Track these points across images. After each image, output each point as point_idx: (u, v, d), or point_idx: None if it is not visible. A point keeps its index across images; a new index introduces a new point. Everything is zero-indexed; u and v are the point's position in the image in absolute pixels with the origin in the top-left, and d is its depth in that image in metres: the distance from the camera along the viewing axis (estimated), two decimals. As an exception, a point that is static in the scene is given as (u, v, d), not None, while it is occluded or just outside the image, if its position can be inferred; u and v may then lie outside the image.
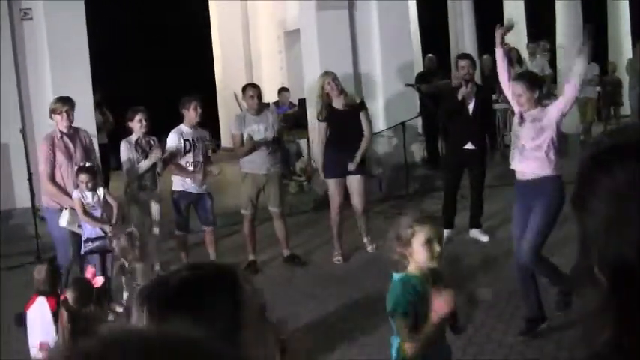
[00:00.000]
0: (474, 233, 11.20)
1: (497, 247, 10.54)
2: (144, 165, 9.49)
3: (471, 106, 10.78)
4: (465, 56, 11.39)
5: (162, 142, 9.87)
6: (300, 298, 9.01)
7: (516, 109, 7.61)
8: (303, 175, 15.19)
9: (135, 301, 1.79)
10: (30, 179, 10.96)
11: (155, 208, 9.69)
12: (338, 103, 10.42)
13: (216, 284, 1.80)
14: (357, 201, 10.57)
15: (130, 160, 9.47)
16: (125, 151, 9.53)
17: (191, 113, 10.01)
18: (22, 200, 11.79)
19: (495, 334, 7.52)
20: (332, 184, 10.55)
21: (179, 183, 10.07)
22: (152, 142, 9.67)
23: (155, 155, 9.54)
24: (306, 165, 15.35)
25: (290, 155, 15.56)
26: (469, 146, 10.80)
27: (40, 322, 6.24)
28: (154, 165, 9.63)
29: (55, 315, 6.13)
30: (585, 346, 1.40)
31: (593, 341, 1.37)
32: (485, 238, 11.03)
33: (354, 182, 10.50)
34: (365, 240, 10.72)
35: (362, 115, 10.46)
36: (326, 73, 10.63)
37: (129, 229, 7.03)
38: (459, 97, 10.62)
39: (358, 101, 10.62)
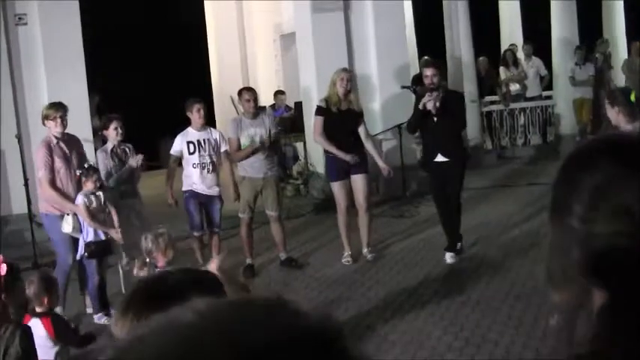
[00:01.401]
0: (447, 257, 10.28)
1: (494, 249, 10.55)
2: (124, 172, 9.48)
3: (437, 117, 10.03)
4: (430, 64, 10.76)
5: (146, 147, 9.90)
6: (297, 301, 8.98)
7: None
8: (300, 178, 15.18)
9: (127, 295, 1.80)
10: (26, 185, 10.95)
11: (137, 214, 9.60)
12: (342, 102, 10.40)
13: (205, 287, 1.80)
14: (361, 199, 10.56)
15: (106, 168, 9.43)
16: (102, 160, 9.51)
17: (194, 115, 10.10)
18: (19, 206, 11.77)
19: (492, 335, 7.51)
20: (336, 187, 10.56)
21: (188, 183, 10.14)
22: (127, 150, 9.67)
23: (136, 160, 9.54)
24: (303, 168, 15.34)
25: (287, 158, 15.56)
26: (440, 158, 10.15)
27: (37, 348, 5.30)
28: (133, 172, 9.63)
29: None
30: (567, 345, 1.40)
31: (575, 340, 1.37)
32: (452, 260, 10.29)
33: (358, 181, 10.51)
34: (365, 250, 10.68)
35: (360, 125, 10.50)
36: (343, 70, 10.70)
37: (160, 229, 6.96)
38: (420, 106, 10.06)
39: (359, 110, 10.59)
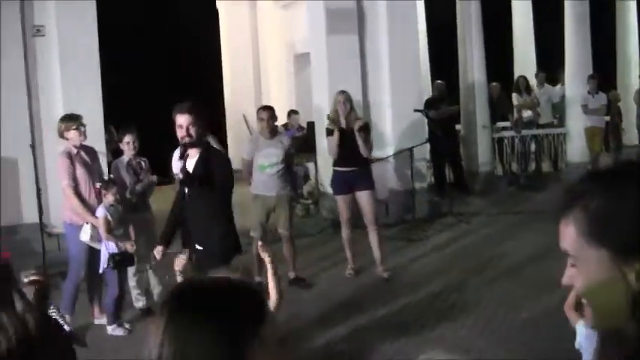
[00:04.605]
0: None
1: (503, 275, 10.54)
2: (139, 188, 9.52)
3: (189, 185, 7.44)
4: (185, 109, 7.12)
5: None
6: (305, 320, 9.00)
7: None
8: (310, 198, 15.21)
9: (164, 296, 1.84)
10: (38, 195, 10.98)
11: (147, 227, 9.60)
12: (345, 122, 10.58)
13: (243, 297, 1.84)
14: (368, 216, 10.67)
15: (122, 180, 9.47)
16: (118, 172, 9.55)
17: None
18: (29, 216, 11.80)
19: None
20: (340, 200, 10.78)
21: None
22: (143, 164, 9.72)
23: (150, 179, 9.61)
24: (314, 188, 15.36)
25: (298, 178, 15.57)
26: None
27: None
28: (149, 186, 9.68)
29: None
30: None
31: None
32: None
33: (363, 197, 10.62)
34: (380, 269, 10.72)
35: (358, 136, 10.51)
36: (341, 92, 10.79)
37: (198, 246, 6.95)
38: (175, 171, 7.59)
39: (361, 124, 10.67)
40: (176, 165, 7.41)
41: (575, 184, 1.73)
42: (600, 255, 1.65)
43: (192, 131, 7.02)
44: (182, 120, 7.05)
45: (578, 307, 4.04)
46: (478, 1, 16.93)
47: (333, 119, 10.70)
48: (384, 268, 10.71)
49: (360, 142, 10.51)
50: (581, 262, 1.70)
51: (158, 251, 7.41)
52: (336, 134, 10.54)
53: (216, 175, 7.03)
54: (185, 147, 7.08)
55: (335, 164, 10.81)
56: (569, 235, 1.71)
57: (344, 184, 10.69)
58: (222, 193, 7.11)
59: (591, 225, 1.66)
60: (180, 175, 7.05)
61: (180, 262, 6.27)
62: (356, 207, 10.75)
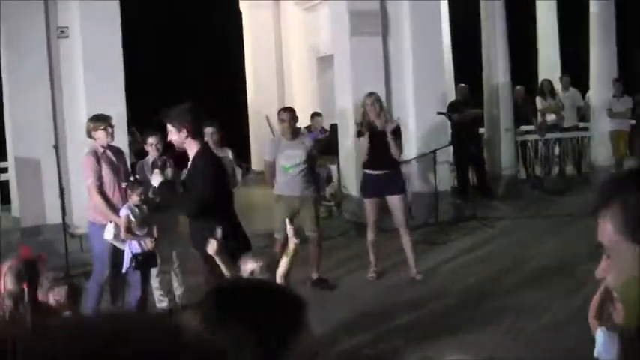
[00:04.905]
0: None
1: (526, 279, 10.47)
2: (154, 180, 9.50)
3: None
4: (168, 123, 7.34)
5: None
6: (327, 322, 8.96)
7: None
8: (332, 200, 15.18)
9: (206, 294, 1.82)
10: (62, 195, 11.00)
11: (171, 227, 9.60)
12: (376, 124, 10.50)
13: (280, 303, 1.83)
14: (400, 218, 10.62)
15: (147, 181, 9.48)
16: (143, 172, 9.57)
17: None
18: (53, 216, 11.83)
19: None
20: (368, 204, 10.70)
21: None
22: (168, 163, 9.72)
23: (169, 171, 9.60)
24: (336, 190, 15.34)
25: (320, 180, 15.54)
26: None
27: None
28: (171, 184, 9.64)
29: None
30: None
31: None
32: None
33: (395, 201, 10.56)
34: (413, 271, 10.67)
35: (391, 138, 10.47)
36: (369, 94, 10.74)
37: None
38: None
39: (394, 126, 10.64)
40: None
41: (615, 180, 1.73)
42: (634, 251, 1.67)
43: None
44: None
45: (599, 316, 4.02)
46: (502, 0, 16.83)
47: (364, 121, 10.62)
48: (418, 271, 10.67)
49: (392, 144, 10.46)
50: (615, 256, 1.72)
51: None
52: (367, 136, 10.48)
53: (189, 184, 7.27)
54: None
55: (365, 167, 10.72)
56: (607, 229, 1.72)
57: (374, 187, 10.59)
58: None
59: (627, 222, 1.68)
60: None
61: (250, 265, 6.09)
62: (382, 210, 10.70)
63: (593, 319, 3.81)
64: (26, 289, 4.88)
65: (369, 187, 10.68)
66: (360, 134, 10.65)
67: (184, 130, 7.10)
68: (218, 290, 1.84)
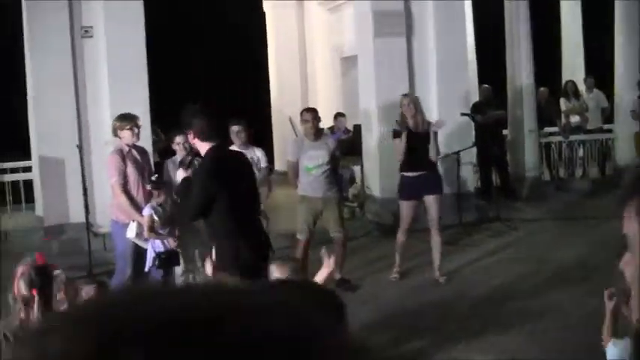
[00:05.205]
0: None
1: (548, 280, 10.41)
2: (178, 176, 9.51)
3: None
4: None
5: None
6: (350, 323, 8.92)
7: None
8: (355, 201, 15.16)
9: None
10: (85, 194, 11.03)
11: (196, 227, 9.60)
12: (412, 125, 10.48)
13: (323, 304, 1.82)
14: (434, 219, 10.59)
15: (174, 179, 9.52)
16: (170, 170, 9.59)
17: (233, 137, 10.38)
18: (76, 215, 11.88)
19: None
20: (404, 206, 10.63)
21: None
22: (195, 162, 9.71)
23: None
24: (359, 191, 15.31)
25: (343, 181, 15.52)
26: None
27: None
28: (190, 181, 9.65)
29: None
30: None
31: None
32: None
33: (431, 201, 10.54)
34: (437, 273, 10.62)
35: (433, 138, 10.50)
36: (405, 95, 10.88)
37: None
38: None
39: (437, 126, 10.69)
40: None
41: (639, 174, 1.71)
42: None
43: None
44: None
45: (609, 330, 4.00)
46: (526, 1, 16.73)
47: (401, 122, 10.57)
48: (441, 274, 10.63)
49: (432, 143, 10.45)
50: (636, 251, 1.68)
51: None
52: (404, 137, 10.44)
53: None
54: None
55: (402, 169, 10.64)
56: (631, 223, 1.69)
57: (412, 189, 10.54)
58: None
59: None
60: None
61: (284, 269, 6.00)
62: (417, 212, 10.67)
63: (606, 337, 3.79)
64: (36, 296, 4.90)
65: (407, 188, 10.61)
66: (396, 135, 10.61)
67: (191, 132, 7.05)
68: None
